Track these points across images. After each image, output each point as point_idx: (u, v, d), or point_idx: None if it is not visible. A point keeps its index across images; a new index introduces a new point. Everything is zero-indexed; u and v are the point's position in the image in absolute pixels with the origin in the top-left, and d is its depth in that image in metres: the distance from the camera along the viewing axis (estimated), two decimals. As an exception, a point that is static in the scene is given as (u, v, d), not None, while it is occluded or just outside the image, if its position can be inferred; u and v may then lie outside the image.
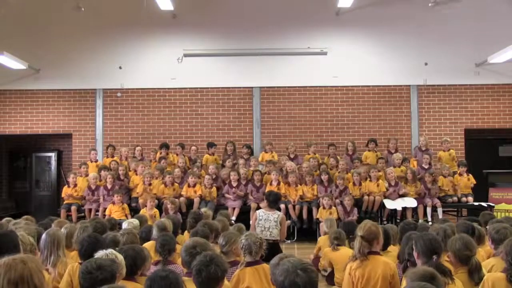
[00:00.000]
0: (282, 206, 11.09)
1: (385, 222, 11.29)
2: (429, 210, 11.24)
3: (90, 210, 11.75)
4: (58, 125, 14.36)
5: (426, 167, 12.24)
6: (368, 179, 11.70)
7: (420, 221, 10.37)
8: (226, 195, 11.79)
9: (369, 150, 13.12)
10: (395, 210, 11.32)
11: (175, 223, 7.44)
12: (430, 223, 9.86)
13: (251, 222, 8.83)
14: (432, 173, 11.73)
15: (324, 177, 11.78)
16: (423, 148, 12.76)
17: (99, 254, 4.23)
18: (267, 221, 8.52)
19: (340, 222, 10.18)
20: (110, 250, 4.33)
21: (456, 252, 4.70)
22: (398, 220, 10.99)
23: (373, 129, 14.07)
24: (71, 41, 14.14)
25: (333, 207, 10.84)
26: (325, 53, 13.98)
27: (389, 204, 11.34)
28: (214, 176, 12.03)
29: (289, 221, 10.76)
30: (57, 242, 5.39)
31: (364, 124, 14.11)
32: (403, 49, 14.11)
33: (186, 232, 7.77)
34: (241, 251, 5.32)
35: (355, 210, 10.99)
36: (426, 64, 14.05)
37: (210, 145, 13.31)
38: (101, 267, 3.65)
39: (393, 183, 11.59)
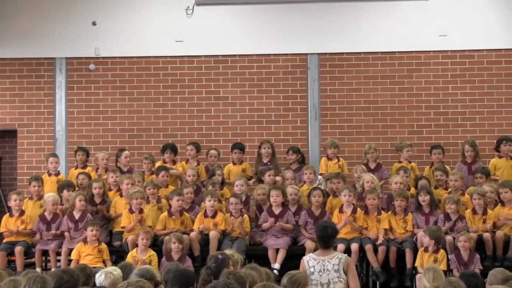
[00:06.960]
0: (355, 246, 11.24)
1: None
2: None
3: (45, 252, 11.81)
4: (-6, 116, 14.43)
5: None
6: (500, 203, 11.61)
7: None
8: (264, 226, 11.71)
9: (499, 157, 12.99)
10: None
11: (183, 274, 7.18)
12: None
13: None
14: None
15: (424, 198, 11.67)
16: None
17: None
18: (323, 273, 8.36)
19: (450, 274, 10.39)
20: None
21: None
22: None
23: (505, 120, 14.08)
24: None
25: (441, 250, 10.77)
26: (425, -3, 14.04)
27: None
28: (244, 198, 11.99)
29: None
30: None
31: (490, 112, 14.20)
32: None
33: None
34: None
35: (477, 256, 10.83)
36: None
37: (236, 148, 13.33)
38: None
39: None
